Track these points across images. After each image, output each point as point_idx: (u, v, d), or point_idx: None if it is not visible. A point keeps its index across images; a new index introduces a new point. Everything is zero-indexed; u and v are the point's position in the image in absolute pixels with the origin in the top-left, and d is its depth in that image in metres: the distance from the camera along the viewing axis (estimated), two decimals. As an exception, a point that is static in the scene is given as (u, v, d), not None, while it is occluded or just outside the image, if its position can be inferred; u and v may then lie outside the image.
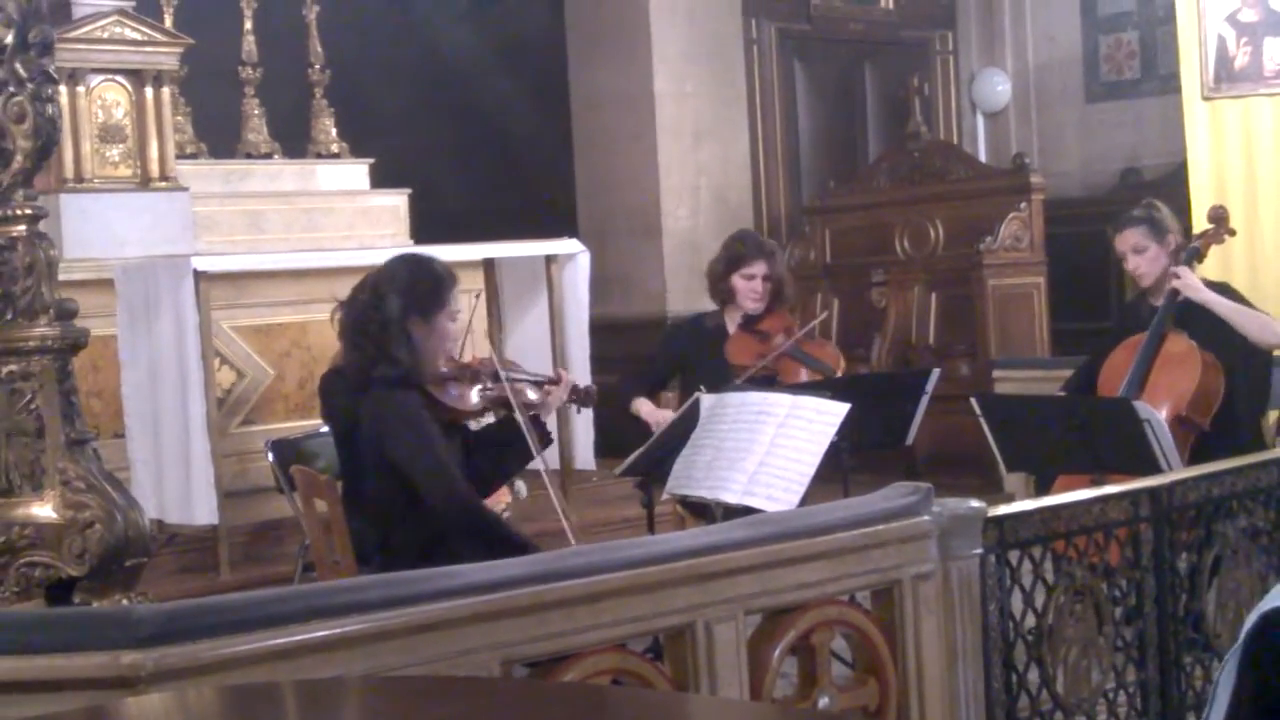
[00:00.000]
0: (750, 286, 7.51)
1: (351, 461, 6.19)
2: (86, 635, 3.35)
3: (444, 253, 9.55)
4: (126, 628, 3.31)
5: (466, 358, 6.54)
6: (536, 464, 9.04)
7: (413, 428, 5.91)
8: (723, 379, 7.17)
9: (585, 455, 9.51)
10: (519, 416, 6.22)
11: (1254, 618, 1.92)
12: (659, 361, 7.75)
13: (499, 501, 8.16)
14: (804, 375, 7.36)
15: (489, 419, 6.52)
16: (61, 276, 6.94)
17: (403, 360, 5.91)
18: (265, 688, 3.23)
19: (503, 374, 6.24)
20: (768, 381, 7.29)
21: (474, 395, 6.21)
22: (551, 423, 6.76)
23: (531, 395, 6.38)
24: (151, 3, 10.21)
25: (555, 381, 6.49)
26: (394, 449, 5.90)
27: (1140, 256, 7.20)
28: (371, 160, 11.26)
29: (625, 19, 12.75)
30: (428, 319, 5.99)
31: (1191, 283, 7.04)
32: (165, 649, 3.28)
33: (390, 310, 5.93)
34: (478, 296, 9.56)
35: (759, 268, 7.53)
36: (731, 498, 6.03)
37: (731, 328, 7.59)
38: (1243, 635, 1.92)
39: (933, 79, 14.74)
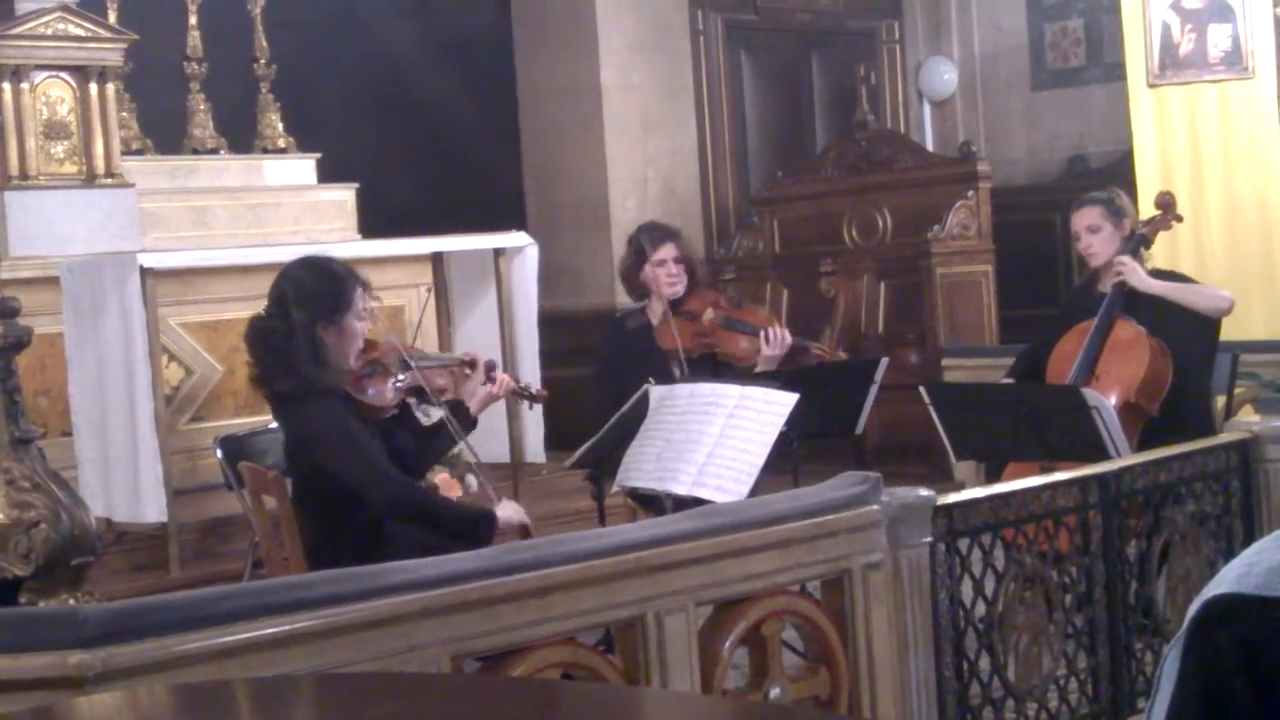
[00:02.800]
0: (665, 271, 7.42)
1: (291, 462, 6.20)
2: (33, 636, 3.34)
3: (392, 247, 9.62)
4: (73, 627, 3.30)
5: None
6: (492, 457, 9.07)
7: (338, 434, 5.86)
8: (662, 369, 7.14)
9: (535, 448, 9.50)
10: (435, 402, 6.19)
11: (1197, 604, 1.92)
12: (608, 380, 7.52)
13: (451, 495, 8.16)
14: (741, 342, 7.32)
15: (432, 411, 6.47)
16: (7, 275, 6.92)
17: (308, 373, 5.84)
18: (216, 686, 3.22)
19: (411, 362, 6.20)
20: (709, 359, 7.28)
21: (389, 391, 6.15)
22: (498, 415, 6.72)
23: (441, 381, 6.32)
24: (95, -2, 10.17)
25: (470, 363, 6.42)
26: (325, 458, 5.88)
27: (1094, 236, 7.22)
28: (318, 155, 11.21)
29: (571, 11, 12.73)
30: (336, 324, 5.91)
31: (1135, 270, 7.07)
32: (112, 648, 3.27)
33: (297, 323, 5.85)
34: (428, 291, 9.57)
35: (667, 250, 7.45)
36: (681, 489, 6.02)
37: (655, 320, 7.51)
38: (1186, 622, 1.92)
39: (879, 68, 14.75)
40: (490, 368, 6.51)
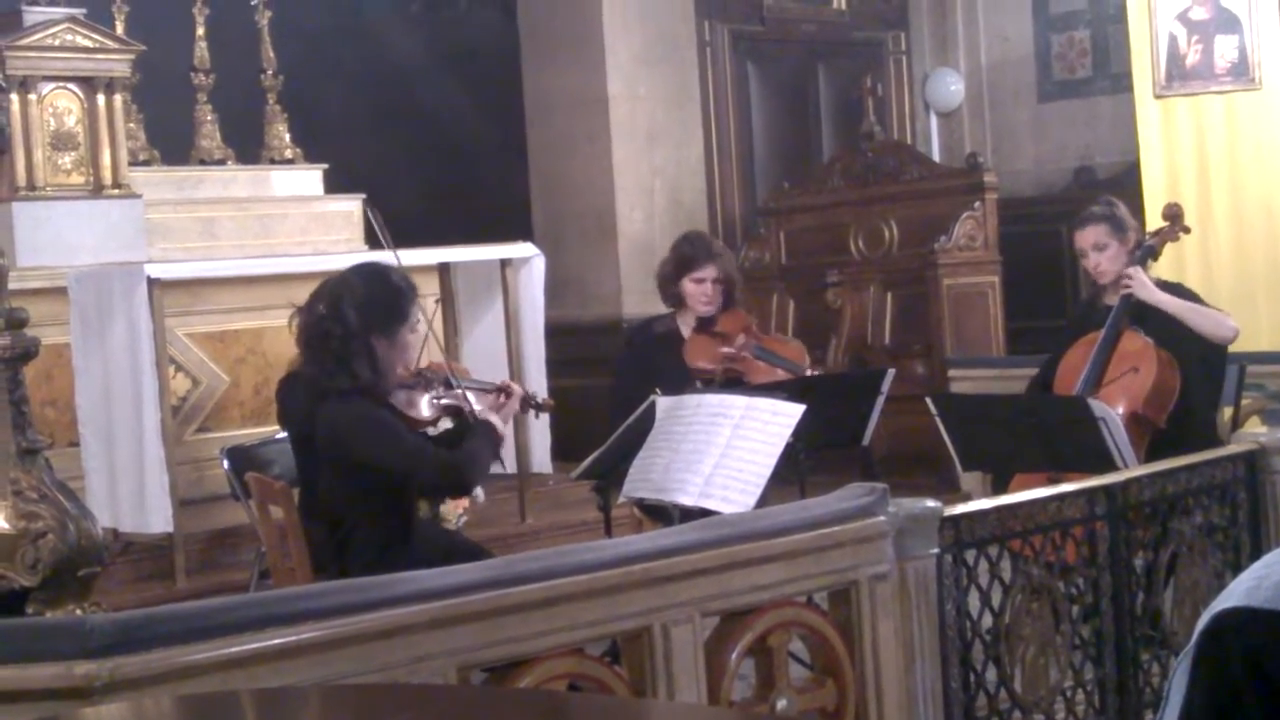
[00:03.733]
0: (701, 290, 7.39)
1: (308, 466, 6.18)
2: (39, 646, 3.34)
3: (399, 258, 9.61)
4: (79, 638, 3.29)
5: (422, 363, 6.52)
6: (498, 468, 9.07)
7: (377, 425, 5.89)
8: (686, 385, 7.11)
9: (542, 459, 9.49)
10: (472, 423, 6.21)
11: (1207, 617, 1.91)
12: (627, 384, 7.46)
13: (457, 507, 8.17)
14: (774, 375, 7.29)
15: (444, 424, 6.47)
16: (14, 285, 6.89)
17: (363, 376, 5.86)
18: (222, 697, 3.22)
19: (455, 383, 6.23)
20: (735, 384, 7.24)
21: (425, 404, 6.18)
22: (507, 429, 6.71)
23: (480, 404, 6.35)
24: (103, 10, 10.16)
25: (506, 391, 6.45)
26: (364, 450, 5.86)
27: (1101, 254, 7.19)
28: (325, 166, 11.23)
29: (578, 22, 12.73)
30: (389, 334, 5.94)
31: (1143, 282, 7.05)
32: (119, 659, 3.27)
33: (351, 324, 5.88)
34: (437, 302, 9.57)
35: (709, 271, 7.40)
36: (688, 500, 6.01)
37: (686, 331, 7.47)
38: (1195, 635, 1.92)
39: (886, 79, 14.75)
40: (526, 398, 6.55)
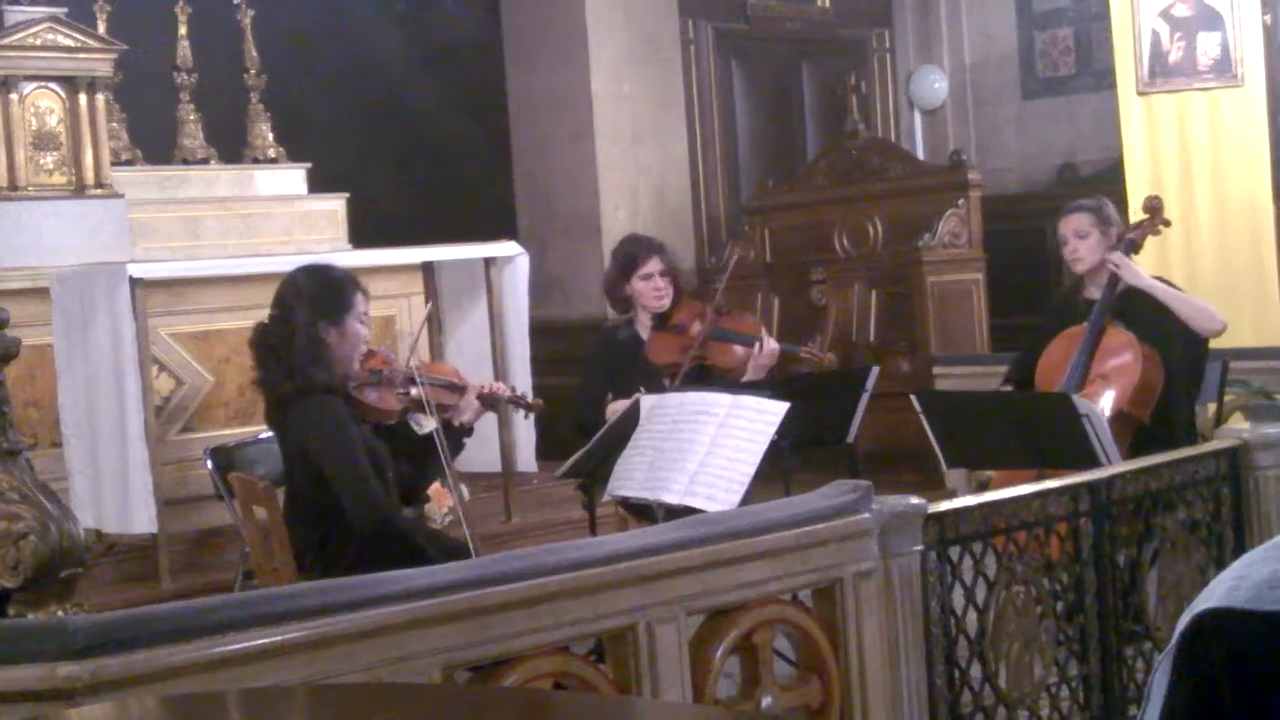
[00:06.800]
0: (651, 286, 7.40)
1: (289, 468, 6.21)
2: (21, 647, 3.33)
3: (382, 257, 9.61)
4: (62, 639, 3.29)
5: (402, 361, 6.56)
6: (483, 466, 9.05)
7: (335, 439, 5.92)
8: (654, 384, 7.13)
9: (527, 458, 9.48)
10: (431, 413, 6.26)
11: (1187, 618, 1.91)
12: (597, 377, 7.58)
13: (443, 505, 8.16)
14: (734, 351, 7.31)
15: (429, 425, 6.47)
16: (-5, 285, 6.88)
17: (307, 372, 5.91)
18: (207, 697, 3.21)
19: (416, 376, 6.28)
20: (700, 371, 7.27)
21: (393, 399, 6.25)
22: (489, 424, 6.72)
23: (445, 399, 6.40)
24: (85, 9, 10.14)
25: (460, 389, 6.48)
26: (320, 459, 5.92)
27: (1081, 241, 7.21)
28: (309, 165, 11.21)
29: (561, 21, 12.73)
30: (337, 324, 6.03)
31: (1130, 267, 7.06)
32: (102, 660, 3.26)
33: (298, 321, 5.96)
34: (426, 302, 9.55)
35: (654, 264, 7.42)
36: (672, 498, 6.01)
37: (645, 333, 7.49)
38: (1175, 636, 1.91)
39: (870, 77, 14.77)
40: (484, 394, 6.58)
